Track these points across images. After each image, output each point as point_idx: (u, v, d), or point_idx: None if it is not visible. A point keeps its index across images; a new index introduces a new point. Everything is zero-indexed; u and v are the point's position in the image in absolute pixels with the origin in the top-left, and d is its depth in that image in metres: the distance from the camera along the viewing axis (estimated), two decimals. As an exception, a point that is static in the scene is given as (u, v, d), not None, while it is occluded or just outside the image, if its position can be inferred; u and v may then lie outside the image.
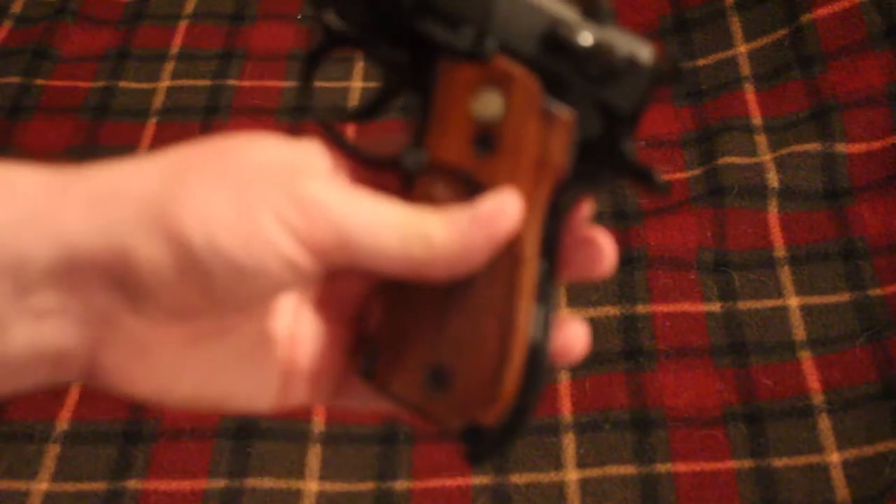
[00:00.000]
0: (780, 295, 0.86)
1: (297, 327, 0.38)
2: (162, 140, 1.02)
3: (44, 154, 1.00)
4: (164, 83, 1.08)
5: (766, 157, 0.94)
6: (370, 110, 0.40)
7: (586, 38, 0.36)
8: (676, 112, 1.01)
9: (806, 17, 1.02)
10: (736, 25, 1.06)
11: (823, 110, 0.96)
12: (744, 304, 0.86)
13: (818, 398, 0.80)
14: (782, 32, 1.03)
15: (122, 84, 1.08)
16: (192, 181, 0.32)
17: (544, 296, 0.37)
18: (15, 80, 1.07)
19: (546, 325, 0.37)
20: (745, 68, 1.03)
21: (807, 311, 0.85)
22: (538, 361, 0.37)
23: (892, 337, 0.82)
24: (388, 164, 0.38)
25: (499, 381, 0.36)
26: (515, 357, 0.36)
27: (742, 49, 1.04)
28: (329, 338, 0.38)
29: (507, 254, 0.36)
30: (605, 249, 0.38)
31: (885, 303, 0.84)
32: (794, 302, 0.86)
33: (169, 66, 1.09)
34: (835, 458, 0.77)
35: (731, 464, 0.78)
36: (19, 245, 0.31)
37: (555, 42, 0.36)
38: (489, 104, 0.37)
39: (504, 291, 0.36)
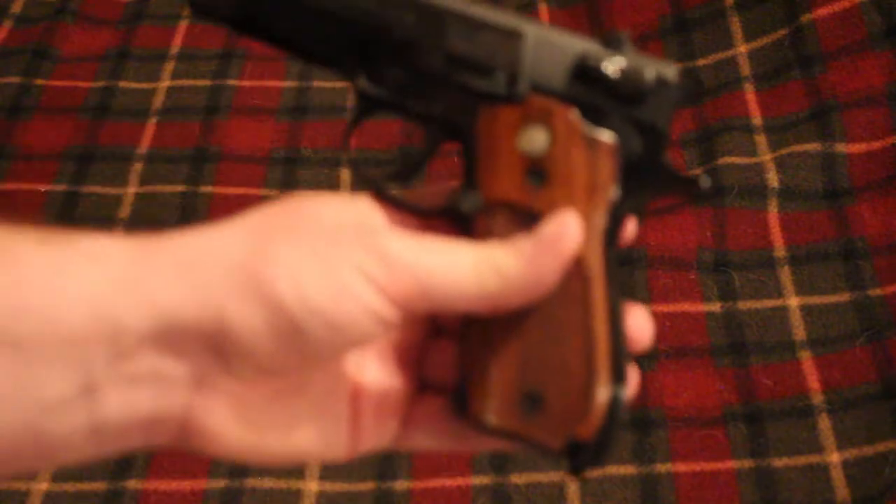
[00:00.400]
0: (780, 295, 0.86)
1: (360, 375, 0.39)
2: (162, 140, 1.02)
3: (44, 154, 1.00)
4: (164, 83, 1.08)
5: (766, 157, 0.95)
6: (414, 170, 0.42)
7: (617, 62, 0.39)
8: (676, 112, 1.01)
9: (806, 17, 1.02)
10: (736, 25, 1.06)
11: (823, 110, 0.96)
12: (744, 304, 0.86)
13: (818, 398, 0.80)
14: (782, 32, 1.03)
15: (122, 84, 1.08)
16: (276, 244, 0.34)
17: (615, 308, 0.39)
18: (15, 80, 1.07)
19: (621, 335, 0.39)
20: (745, 68, 1.03)
21: (807, 311, 0.85)
22: (621, 370, 0.39)
23: (891, 337, 0.82)
24: (444, 213, 0.40)
25: (591, 394, 0.38)
26: (602, 369, 0.38)
27: (742, 49, 1.04)
28: (391, 382, 0.40)
29: (576, 274, 0.38)
30: (646, 327, 0.41)
31: (885, 303, 0.84)
32: (794, 302, 0.86)
33: (169, 66, 1.10)
34: (835, 458, 0.77)
35: (731, 464, 0.78)
36: (115, 313, 0.32)
37: (585, 72, 0.39)
38: (535, 139, 0.39)
39: (580, 309, 0.38)
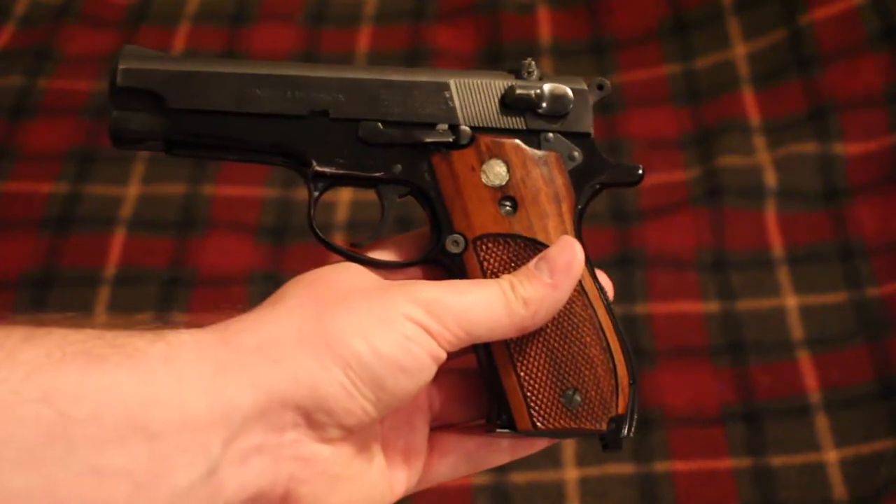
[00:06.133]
0: (778, 295, 0.87)
1: (383, 424, 0.44)
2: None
3: (46, 155, 1.00)
4: (166, 84, 1.08)
5: (765, 158, 0.95)
6: (379, 233, 0.47)
7: (541, 88, 0.45)
8: (675, 113, 1.02)
9: (804, 19, 1.02)
10: (734, 27, 1.07)
11: (821, 111, 0.96)
12: (742, 304, 0.86)
13: (816, 397, 0.80)
14: (781, 34, 1.03)
15: (124, 85, 1.08)
16: (332, 314, 0.38)
17: (603, 294, 0.45)
18: (17, 81, 1.07)
19: (614, 313, 0.45)
20: (744, 69, 1.03)
21: (805, 310, 0.86)
22: (627, 343, 0.45)
23: (889, 336, 0.82)
24: (425, 261, 0.45)
25: (615, 374, 0.44)
26: (618, 350, 0.44)
27: (740, 50, 1.05)
28: (409, 427, 0.45)
29: None
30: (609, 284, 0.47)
31: (883, 302, 0.84)
32: (792, 302, 0.86)
33: (170, 67, 1.10)
34: (832, 456, 0.77)
35: (730, 462, 0.78)
36: (226, 395, 0.35)
37: (515, 102, 0.45)
38: (496, 172, 0.44)
39: (584, 306, 0.44)
